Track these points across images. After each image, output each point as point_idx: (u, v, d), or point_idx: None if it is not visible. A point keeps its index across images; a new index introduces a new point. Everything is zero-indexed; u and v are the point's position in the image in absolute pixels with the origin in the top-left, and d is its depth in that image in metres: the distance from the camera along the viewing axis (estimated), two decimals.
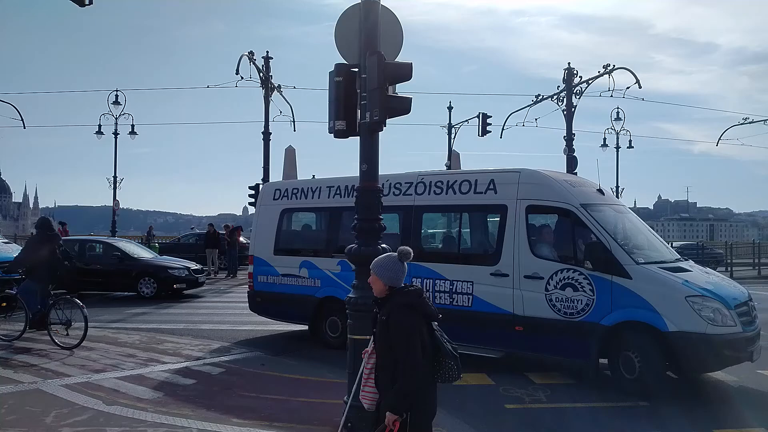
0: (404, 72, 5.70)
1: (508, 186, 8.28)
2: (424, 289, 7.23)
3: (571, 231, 7.86)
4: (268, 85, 23.78)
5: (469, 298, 8.29)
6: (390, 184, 9.02)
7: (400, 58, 5.85)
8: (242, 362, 8.57)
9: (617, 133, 32.63)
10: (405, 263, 3.80)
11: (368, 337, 5.75)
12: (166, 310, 14.23)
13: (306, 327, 10.30)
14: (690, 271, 7.59)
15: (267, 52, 24.03)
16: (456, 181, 8.79)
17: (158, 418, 5.97)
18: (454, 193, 8.71)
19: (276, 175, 23.41)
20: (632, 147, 33.20)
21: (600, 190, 8.56)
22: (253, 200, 23.61)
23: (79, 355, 8.73)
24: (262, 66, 23.63)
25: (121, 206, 31.28)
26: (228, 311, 13.88)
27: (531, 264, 7.84)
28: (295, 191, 10.59)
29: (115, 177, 29.95)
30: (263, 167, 23.74)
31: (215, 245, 23.71)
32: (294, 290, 10.05)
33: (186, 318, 12.77)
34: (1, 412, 6.12)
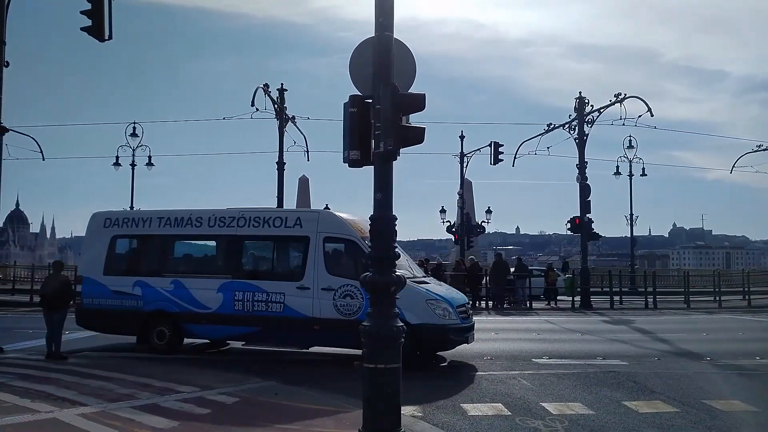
0: (417, 103, 5.83)
1: None
2: None
3: None
4: (282, 117, 24.17)
5: None
6: None
7: (413, 89, 6.00)
8: (257, 391, 8.55)
9: (630, 162, 32.69)
10: None
11: (383, 366, 5.76)
12: None
13: None
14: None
15: (282, 84, 24.54)
16: None
17: None
18: None
19: (289, 204, 23.65)
20: (645, 175, 33.30)
21: None
22: None
23: (95, 385, 8.77)
24: (277, 98, 24.07)
25: None
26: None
27: None
28: None
29: (132, 207, 30.36)
30: (277, 197, 24.00)
31: None
32: None
33: (200, 347, 12.79)
34: None
